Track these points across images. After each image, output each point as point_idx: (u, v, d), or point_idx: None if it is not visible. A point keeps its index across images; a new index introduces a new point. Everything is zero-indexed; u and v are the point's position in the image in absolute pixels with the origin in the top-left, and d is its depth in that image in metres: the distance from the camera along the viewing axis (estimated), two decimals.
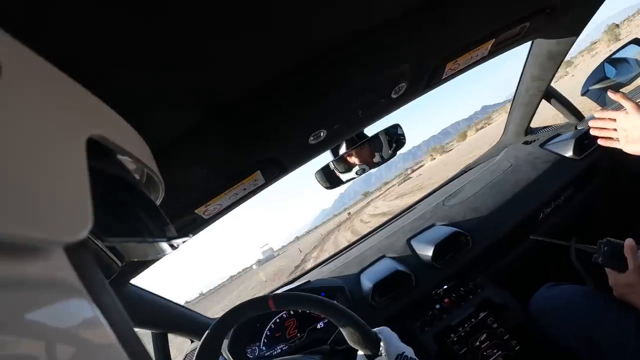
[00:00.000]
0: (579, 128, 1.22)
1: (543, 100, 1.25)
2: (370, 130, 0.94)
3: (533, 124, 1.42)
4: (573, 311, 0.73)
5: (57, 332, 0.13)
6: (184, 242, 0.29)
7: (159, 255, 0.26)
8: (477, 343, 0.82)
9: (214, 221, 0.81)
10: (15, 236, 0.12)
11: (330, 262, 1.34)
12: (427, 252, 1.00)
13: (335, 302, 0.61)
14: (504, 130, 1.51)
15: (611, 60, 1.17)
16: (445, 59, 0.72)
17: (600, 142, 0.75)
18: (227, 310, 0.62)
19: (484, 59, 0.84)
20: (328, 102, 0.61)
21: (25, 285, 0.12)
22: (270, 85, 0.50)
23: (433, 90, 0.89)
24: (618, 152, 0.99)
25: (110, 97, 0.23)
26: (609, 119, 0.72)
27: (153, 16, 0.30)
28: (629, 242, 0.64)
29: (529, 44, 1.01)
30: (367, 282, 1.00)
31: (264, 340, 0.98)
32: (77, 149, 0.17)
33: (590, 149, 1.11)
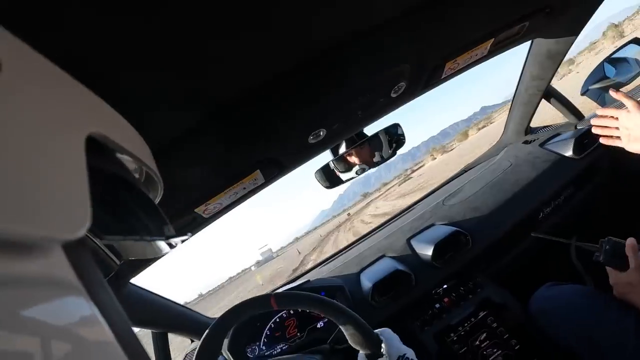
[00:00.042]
0: (578, 127, 1.22)
1: (544, 102, 1.25)
2: (370, 130, 0.94)
3: (533, 124, 1.42)
4: (573, 311, 0.73)
5: (55, 329, 0.13)
6: (182, 241, 0.29)
7: (157, 254, 0.26)
8: (477, 342, 0.82)
9: (214, 220, 0.81)
10: (14, 233, 0.12)
11: (330, 261, 1.34)
12: (427, 251, 1.00)
13: (337, 302, 0.61)
14: (504, 130, 1.51)
15: (611, 60, 1.18)
16: (445, 59, 0.72)
17: (602, 140, 0.75)
18: (228, 308, 0.63)
19: (483, 59, 0.84)
20: (327, 102, 0.62)
21: (24, 282, 0.12)
22: (270, 85, 0.50)
23: (432, 91, 0.89)
24: (618, 151, 0.99)
25: (110, 96, 0.23)
26: (611, 117, 0.72)
27: (153, 16, 0.30)
28: (630, 241, 0.64)
29: (528, 43, 1.01)
30: (367, 282, 1.00)
31: (264, 340, 0.98)
32: (76, 146, 0.17)
33: (590, 149, 1.11)
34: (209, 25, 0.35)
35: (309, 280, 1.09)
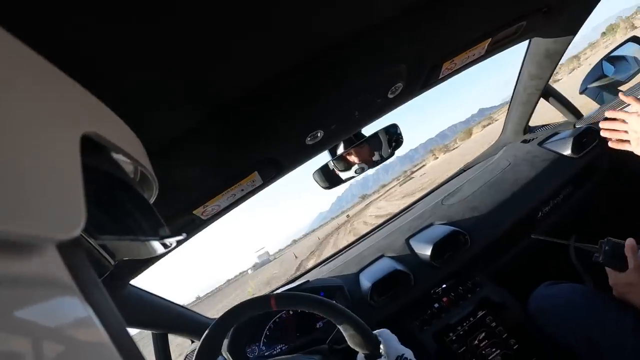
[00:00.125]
0: (577, 126, 1.21)
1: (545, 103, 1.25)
2: (367, 131, 0.94)
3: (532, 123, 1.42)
4: (572, 310, 0.73)
5: (49, 330, 0.13)
6: (177, 241, 0.29)
7: (151, 254, 0.26)
8: (476, 342, 0.82)
9: (213, 222, 0.81)
10: (8, 233, 0.12)
11: (330, 261, 1.35)
12: (426, 251, 1.00)
13: (336, 303, 0.62)
14: (503, 129, 1.51)
15: (609, 58, 1.18)
16: (442, 59, 0.72)
17: (611, 144, 0.75)
18: (228, 309, 0.63)
19: (480, 59, 0.84)
20: (324, 103, 0.62)
21: (17, 282, 0.12)
22: (267, 85, 0.50)
23: (430, 93, 0.90)
24: (617, 150, 0.99)
25: (110, 97, 0.23)
26: (620, 120, 0.72)
27: (153, 17, 0.30)
28: (629, 241, 0.64)
29: (526, 43, 1.01)
30: (366, 282, 1.01)
31: (263, 340, 0.99)
32: (71, 146, 0.17)
33: (588, 147, 1.11)
34: (209, 26, 0.35)
35: (308, 281, 1.10)
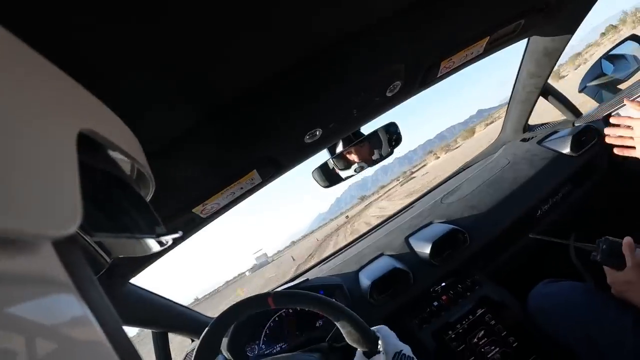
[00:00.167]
0: (576, 125, 1.22)
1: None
2: (366, 129, 0.95)
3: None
4: (571, 308, 0.73)
5: (45, 327, 0.13)
6: (174, 239, 0.29)
7: (147, 251, 0.26)
8: (475, 340, 0.82)
9: (212, 220, 0.81)
10: (3, 230, 0.12)
11: (330, 260, 1.35)
12: (425, 249, 1.00)
13: (334, 300, 0.62)
14: (502, 128, 1.51)
15: (608, 57, 1.18)
16: (440, 57, 0.72)
17: (616, 150, 0.75)
18: (227, 307, 0.63)
19: (479, 57, 0.84)
20: (323, 101, 0.62)
21: (12, 279, 0.12)
22: (266, 84, 0.50)
23: (428, 94, 0.91)
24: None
25: (109, 97, 0.23)
26: (625, 126, 0.71)
27: (152, 16, 0.30)
28: (627, 240, 0.64)
29: (525, 41, 1.01)
30: (365, 280, 1.01)
31: (263, 339, 0.99)
32: (67, 143, 0.17)
33: (587, 146, 1.11)
34: (208, 26, 0.35)
35: (308, 279, 1.10)
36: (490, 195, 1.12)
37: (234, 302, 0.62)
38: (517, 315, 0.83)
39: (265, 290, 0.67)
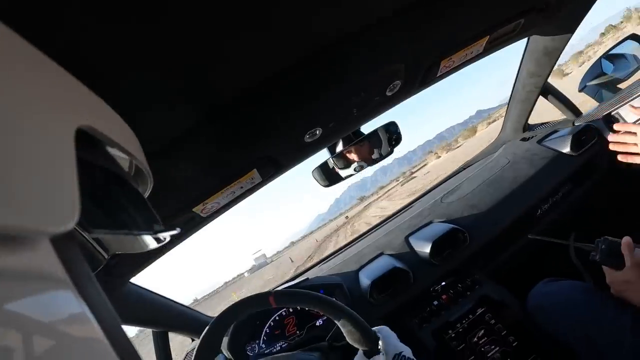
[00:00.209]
0: (576, 124, 1.22)
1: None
2: (365, 129, 0.95)
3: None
4: (570, 307, 0.73)
5: (42, 324, 0.13)
6: (174, 237, 0.29)
7: (144, 248, 0.26)
8: (475, 339, 0.82)
9: (212, 219, 0.82)
10: (1, 226, 0.12)
11: (330, 260, 1.35)
12: (425, 249, 1.00)
13: (335, 300, 0.62)
14: (502, 127, 1.51)
15: (608, 56, 1.18)
16: (440, 57, 0.72)
17: (620, 158, 0.75)
18: (229, 305, 0.63)
19: (479, 56, 0.84)
20: (323, 101, 0.62)
21: (10, 276, 0.12)
22: (266, 84, 0.50)
23: (428, 95, 0.90)
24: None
25: (110, 97, 0.23)
26: (629, 132, 0.71)
27: (152, 16, 0.30)
28: (626, 239, 0.64)
29: (524, 40, 1.01)
30: (365, 280, 1.01)
31: (263, 338, 0.99)
32: (66, 139, 0.17)
33: (587, 145, 1.11)
34: (208, 25, 0.35)
35: (308, 278, 1.10)
36: (490, 194, 1.12)
37: (234, 301, 0.62)
38: (517, 315, 0.83)
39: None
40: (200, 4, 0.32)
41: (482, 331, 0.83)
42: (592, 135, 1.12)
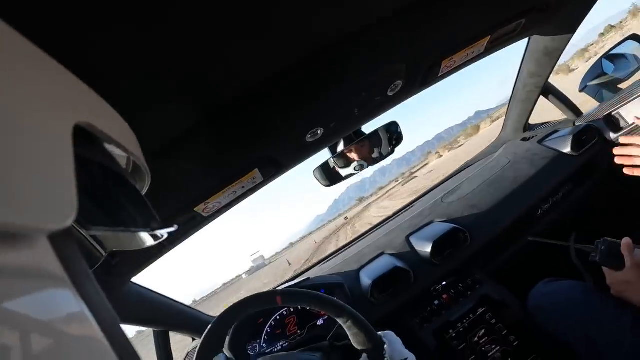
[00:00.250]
0: (577, 124, 1.22)
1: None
2: (367, 129, 0.95)
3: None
4: (571, 307, 0.73)
5: (40, 322, 0.13)
6: (175, 236, 0.28)
7: (142, 245, 0.26)
8: (476, 339, 0.82)
9: (214, 219, 0.82)
10: (1, 224, 0.12)
11: (330, 259, 1.35)
12: (426, 248, 1.00)
13: (343, 302, 0.62)
14: (503, 127, 1.51)
15: (609, 56, 1.18)
16: (441, 57, 0.72)
17: (626, 171, 0.75)
18: (237, 301, 0.63)
19: (480, 56, 0.84)
20: (324, 101, 0.62)
21: (8, 273, 0.12)
22: (268, 84, 0.50)
23: (426, 97, 0.90)
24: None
25: (110, 96, 0.23)
26: (634, 145, 0.71)
27: (153, 16, 0.30)
28: (626, 240, 0.64)
29: (525, 40, 1.01)
30: (366, 279, 1.01)
31: (264, 338, 0.99)
32: (63, 136, 0.17)
33: (588, 145, 1.11)
34: (208, 25, 0.35)
35: (309, 278, 1.10)
36: (491, 194, 1.13)
37: (244, 297, 0.62)
38: (518, 314, 0.83)
39: None
40: (200, 4, 0.32)
41: (483, 331, 0.83)
42: (593, 135, 1.12)
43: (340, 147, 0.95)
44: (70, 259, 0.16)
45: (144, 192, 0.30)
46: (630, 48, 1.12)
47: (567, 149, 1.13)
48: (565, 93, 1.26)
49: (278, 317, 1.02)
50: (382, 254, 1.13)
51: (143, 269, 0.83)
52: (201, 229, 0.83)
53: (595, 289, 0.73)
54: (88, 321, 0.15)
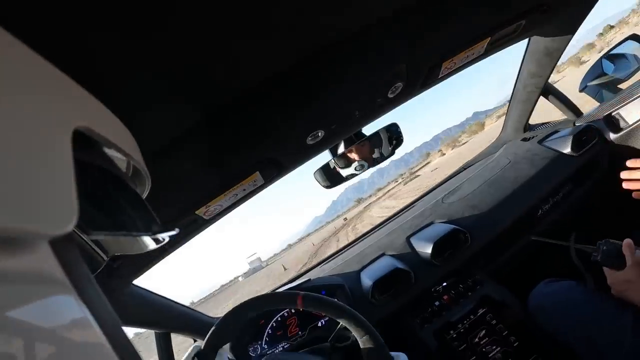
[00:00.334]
0: (577, 124, 1.22)
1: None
2: (367, 130, 0.95)
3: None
4: (571, 308, 0.73)
5: (42, 327, 0.13)
6: (176, 239, 0.28)
7: (144, 249, 0.26)
8: (477, 339, 0.82)
9: (215, 221, 0.82)
10: (1, 229, 0.12)
11: (331, 260, 1.35)
12: (426, 249, 1.00)
13: (362, 316, 0.62)
14: (503, 127, 1.51)
15: (609, 56, 1.18)
16: (442, 58, 0.72)
17: (635, 195, 0.75)
18: (258, 294, 0.65)
19: (480, 57, 0.84)
20: (325, 103, 0.62)
21: (9, 279, 0.12)
22: (268, 85, 0.50)
23: (425, 97, 0.90)
24: (616, 148, 0.98)
25: (111, 98, 0.23)
26: None
27: (153, 16, 0.31)
28: (627, 241, 0.64)
29: (525, 41, 1.01)
30: (367, 280, 1.01)
31: (265, 339, 0.99)
32: (63, 140, 0.17)
33: (588, 145, 1.11)
34: (209, 26, 0.35)
35: (310, 279, 1.10)
36: (491, 194, 1.13)
37: (262, 294, 0.63)
38: (518, 315, 0.83)
39: None
40: (200, 4, 0.32)
41: (484, 331, 0.83)
42: (593, 135, 1.12)
43: (341, 149, 0.96)
44: (71, 263, 0.16)
45: (144, 195, 0.30)
46: (630, 48, 1.12)
47: (567, 149, 1.13)
48: (566, 93, 1.26)
49: (279, 319, 1.02)
50: (382, 254, 1.13)
51: (144, 272, 0.83)
52: (202, 232, 0.84)
53: (596, 289, 0.74)
54: (90, 326, 0.15)
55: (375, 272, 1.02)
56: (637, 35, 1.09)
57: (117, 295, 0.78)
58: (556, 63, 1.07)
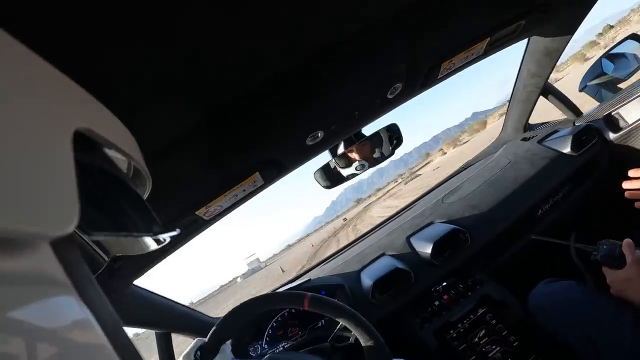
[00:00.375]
0: (577, 124, 1.22)
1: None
2: (366, 130, 0.95)
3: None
4: (571, 307, 0.73)
5: (43, 328, 0.13)
6: (177, 239, 0.29)
7: (145, 250, 0.26)
8: (476, 339, 0.82)
9: (215, 222, 0.82)
10: (1, 230, 0.12)
11: (331, 260, 1.35)
12: (426, 249, 1.00)
13: (367, 321, 0.62)
14: (503, 127, 1.51)
15: (609, 56, 1.18)
16: (441, 59, 0.73)
17: (637, 205, 0.75)
18: (264, 293, 0.65)
19: (479, 58, 0.85)
20: (324, 103, 0.62)
21: (10, 280, 0.12)
22: (268, 85, 0.51)
23: (424, 97, 0.90)
24: (616, 147, 0.98)
25: (111, 98, 0.23)
26: None
27: (153, 17, 0.31)
28: (627, 241, 0.65)
29: (525, 41, 1.01)
30: (367, 280, 1.01)
31: (266, 339, 1.00)
32: (63, 142, 0.17)
33: (588, 145, 1.11)
34: (209, 26, 0.35)
35: (310, 279, 1.10)
36: (491, 194, 1.13)
37: (270, 292, 0.64)
38: (518, 315, 0.83)
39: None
40: (201, 4, 0.32)
41: (483, 331, 0.83)
42: (593, 135, 1.12)
43: (341, 149, 0.96)
44: (72, 264, 0.16)
45: (145, 196, 0.30)
46: (630, 47, 1.12)
47: (567, 149, 1.13)
48: (569, 89, 1.26)
49: (280, 319, 1.02)
50: (382, 254, 1.13)
51: (145, 272, 0.83)
52: (202, 232, 0.84)
53: (596, 288, 0.74)
54: (91, 327, 0.15)
55: (375, 272, 1.02)
56: (637, 34, 1.09)
57: (118, 295, 0.78)
58: (556, 63, 1.08)
